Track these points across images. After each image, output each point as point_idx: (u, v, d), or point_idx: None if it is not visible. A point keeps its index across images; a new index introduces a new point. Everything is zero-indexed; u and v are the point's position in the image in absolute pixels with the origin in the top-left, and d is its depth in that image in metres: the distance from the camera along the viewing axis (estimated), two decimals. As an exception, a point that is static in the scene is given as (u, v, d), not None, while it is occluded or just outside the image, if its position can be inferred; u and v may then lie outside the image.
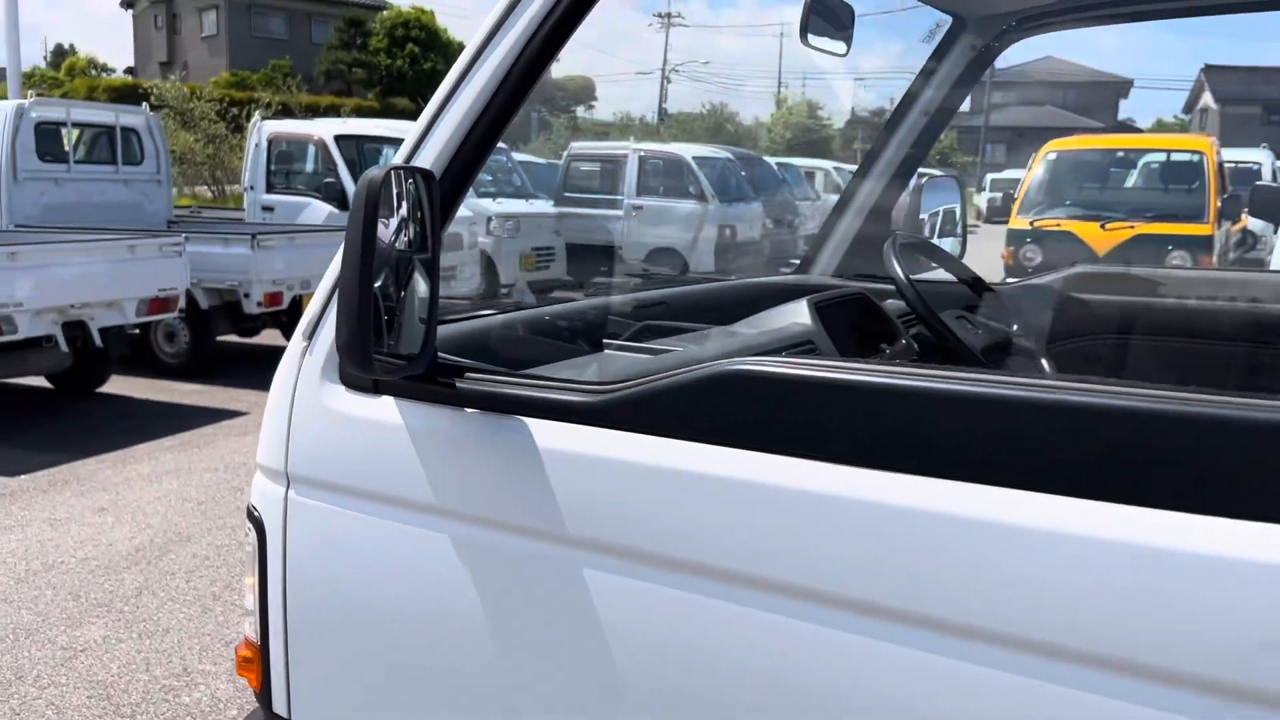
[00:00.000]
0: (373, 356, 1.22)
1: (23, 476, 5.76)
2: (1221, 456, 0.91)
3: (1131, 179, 10.26)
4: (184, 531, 4.93)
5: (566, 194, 15.05)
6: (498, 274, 12.51)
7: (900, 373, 1.11)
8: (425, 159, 1.37)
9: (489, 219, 12.51)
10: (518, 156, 17.74)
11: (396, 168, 1.23)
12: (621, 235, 14.53)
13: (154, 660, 3.69)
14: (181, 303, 7.55)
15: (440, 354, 1.37)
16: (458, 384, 1.32)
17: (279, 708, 1.54)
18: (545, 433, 1.25)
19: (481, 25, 1.37)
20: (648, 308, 2.08)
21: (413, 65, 41.19)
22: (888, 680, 1.03)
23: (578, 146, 16.47)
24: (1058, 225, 9.71)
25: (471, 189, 1.44)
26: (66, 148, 9.50)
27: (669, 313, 2.04)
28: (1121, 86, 62.41)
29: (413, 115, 23.32)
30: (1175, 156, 9.99)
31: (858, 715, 1.06)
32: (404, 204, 1.28)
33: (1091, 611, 0.93)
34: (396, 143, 12.17)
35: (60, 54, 70.16)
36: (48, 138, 9.30)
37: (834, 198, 18.55)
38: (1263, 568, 0.86)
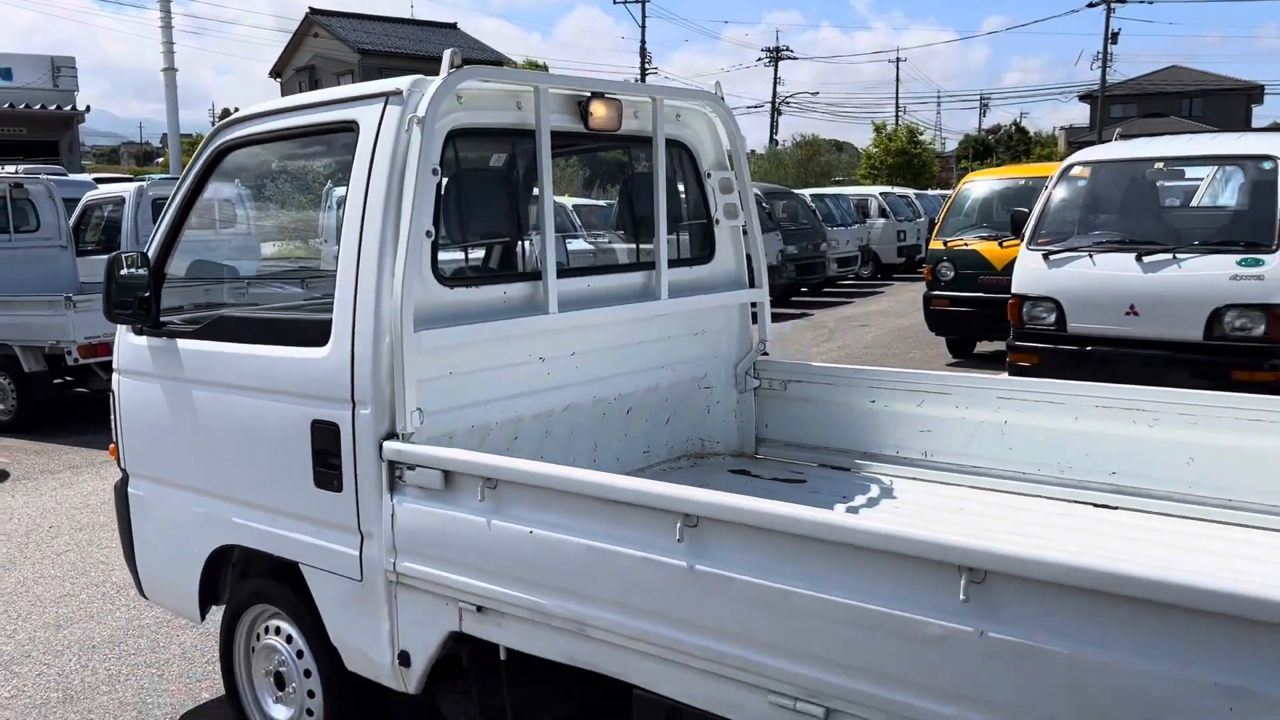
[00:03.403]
0: (114, 315, 3.51)
1: (122, 449, 8.39)
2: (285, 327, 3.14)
3: (1032, 204, 11.83)
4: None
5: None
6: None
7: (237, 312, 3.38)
8: (152, 245, 3.66)
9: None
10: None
11: (123, 252, 3.53)
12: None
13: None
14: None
15: (167, 319, 3.65)
16: (162, 329, 3.59)
17: (122, 464, 3.85)
18: (183, 344, 3.51)
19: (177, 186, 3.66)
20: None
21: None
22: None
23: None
24: (965, 245, 11.43)
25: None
26: (214, 213, 12.35)
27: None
28: (1253, 92, 60.70)
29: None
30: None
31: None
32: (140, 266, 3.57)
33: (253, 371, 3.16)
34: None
35: (225, 117, 77.43)
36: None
37: (880, 221, 20.08)
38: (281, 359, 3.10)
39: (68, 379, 9.73)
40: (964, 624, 1.89)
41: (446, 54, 2.97)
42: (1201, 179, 8.96)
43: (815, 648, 2.10)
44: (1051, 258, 7.54)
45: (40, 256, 10.36)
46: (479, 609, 2.72)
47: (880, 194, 23.97)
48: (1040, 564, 1.81)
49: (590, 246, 16.15)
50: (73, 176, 15.64)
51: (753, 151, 65.29)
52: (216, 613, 3.71)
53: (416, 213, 2.89)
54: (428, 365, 2.99)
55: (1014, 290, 7.75)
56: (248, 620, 3.56)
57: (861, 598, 2.02)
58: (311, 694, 3.36)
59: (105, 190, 12.68)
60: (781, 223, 18.26)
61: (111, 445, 3.94)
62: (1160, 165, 7.60)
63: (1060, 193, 7.89)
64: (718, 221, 4.06)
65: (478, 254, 3.69)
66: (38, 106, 27.01)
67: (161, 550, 3.77)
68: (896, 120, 60.66)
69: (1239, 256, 6.80)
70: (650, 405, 3.96)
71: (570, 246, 16.09)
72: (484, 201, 3.39)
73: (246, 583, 3.56)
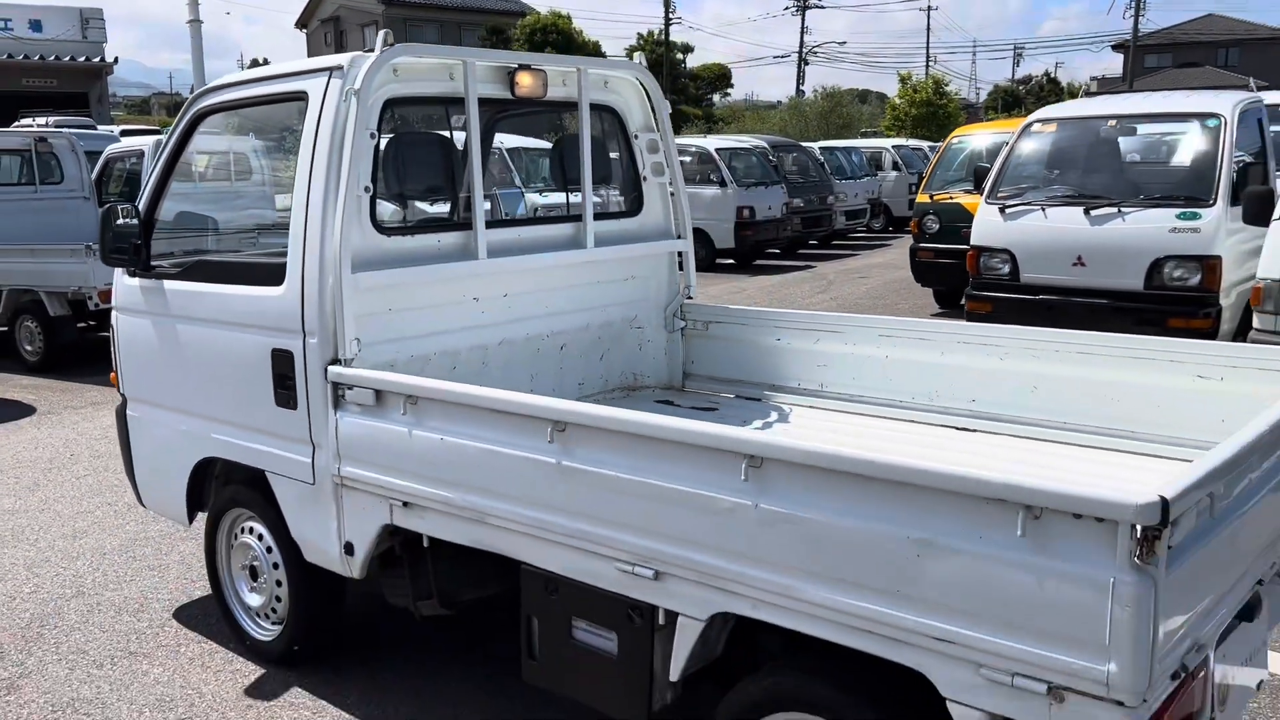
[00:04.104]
0: (110, 260, 4.06)
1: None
2: (239, 269, 3.66)
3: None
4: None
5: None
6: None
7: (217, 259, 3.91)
8: (143, 199, 4.19)
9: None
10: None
11: (117, 204, 4.06)
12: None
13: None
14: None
15: (156, 263, 4.19)
16: (152, 272, 4.13)
17: (121, 390, 4.42)
18: (168, 284, 4.05)
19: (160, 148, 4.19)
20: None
21: (548, 67, 44.43)
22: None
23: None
24: (950, 198, 11.80)
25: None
26: (194, 170, 12.92)
27: None
28: (1292, 41, 59.55)
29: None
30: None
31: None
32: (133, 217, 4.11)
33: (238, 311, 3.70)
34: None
35: (255, 67, 77.97)
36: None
37: (893, 174, 20.39)
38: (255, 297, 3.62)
39: (90, 323, 10.35)
40: (744, 499, 2.40)
41: (380, 34, 3.46)
42: (1183, 134, 9.29)
43: (646, 523, 2.62)
44: (1007, 211, 7.94)
45: (64, 207, 10.99)
46: (405, 504, 3.27)
47: (893, 147, 24.17)
48: (795, 450, 2.32)
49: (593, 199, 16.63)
50: (99, 129, 16.23)
51: (778, 103, 65.01)
52: (202, 519, 4.29)
53: (354, 171, 3.40)
54: (367, 302, 3.51)
55: (972, 242, 8.17)
56: (227, 522, 4.14)
57: (675, 482, 2.53)
58: (279, 583, 3.94)
59: (126, 143, 13.24)
60: (788, 175, 18.62)
61: (113, 373, 4.50)
62: (1113, 123, 7.95)
63: (1020, 149, 8.27)
64: (645, 179, 4.53)
65: (416, 207, 4.19)
66: (67, 58, 27.62)
67: (155, 464, 4.35)
68: (926, 71, 60.17)
69: (1179, 210, 7.19)
70: (584, 342, 4.46)
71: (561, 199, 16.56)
72: (420, 161, 3.88)
73: (226, 490, 4.13)
